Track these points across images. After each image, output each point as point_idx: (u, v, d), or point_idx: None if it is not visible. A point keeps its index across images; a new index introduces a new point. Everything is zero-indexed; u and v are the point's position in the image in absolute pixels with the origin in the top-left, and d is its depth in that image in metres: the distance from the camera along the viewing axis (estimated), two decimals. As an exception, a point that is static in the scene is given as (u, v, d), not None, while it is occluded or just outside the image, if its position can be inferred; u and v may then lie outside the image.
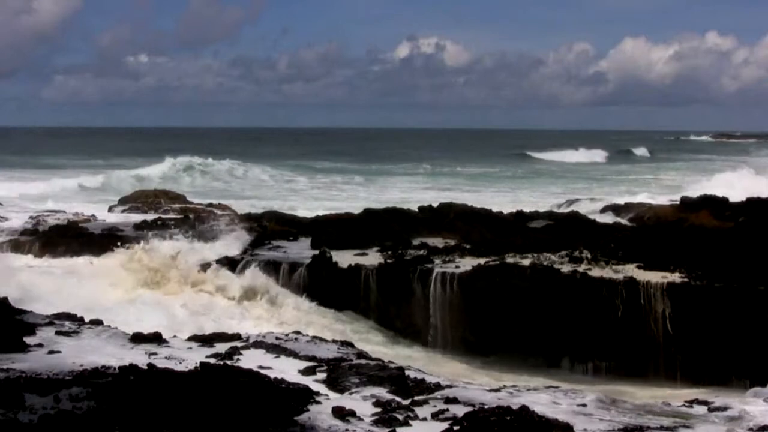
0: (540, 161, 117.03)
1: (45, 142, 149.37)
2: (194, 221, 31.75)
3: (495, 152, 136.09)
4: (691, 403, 12.22)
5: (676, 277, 21.63)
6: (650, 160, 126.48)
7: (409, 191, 65.12)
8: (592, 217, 34.67)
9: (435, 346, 22.60)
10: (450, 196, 50.82)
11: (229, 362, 12.39)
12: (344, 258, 25.10)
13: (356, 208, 35.95)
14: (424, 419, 10.27)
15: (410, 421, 10.11)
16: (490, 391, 12.21)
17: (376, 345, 21.25)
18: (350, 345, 15.01)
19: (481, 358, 21.72)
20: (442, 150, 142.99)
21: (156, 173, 73.73)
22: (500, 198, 57.38)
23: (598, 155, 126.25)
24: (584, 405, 11.45)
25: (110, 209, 39.25)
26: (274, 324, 21.79)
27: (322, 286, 24.27)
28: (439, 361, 21.26)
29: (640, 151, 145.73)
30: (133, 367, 10.73)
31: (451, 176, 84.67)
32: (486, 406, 10.57)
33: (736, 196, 35.81)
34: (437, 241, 27.22)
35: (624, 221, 36.59)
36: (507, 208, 36.23)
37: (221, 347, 13.91)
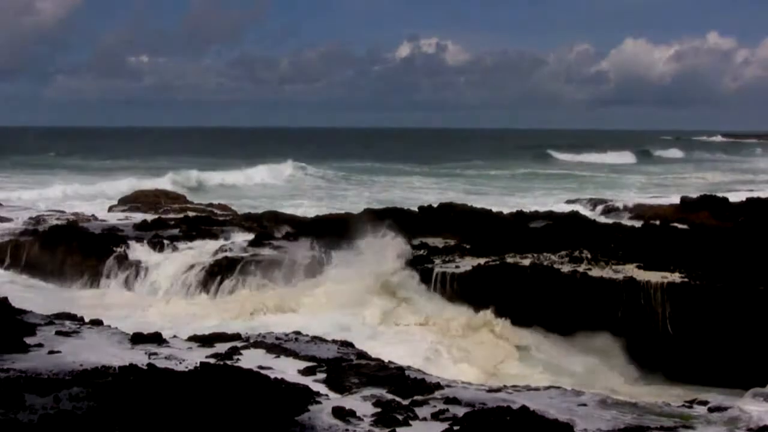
0: (565, 163, 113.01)
1: (80, 143, 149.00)
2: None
3: (514, 153, 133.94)
4: (691, 403, 12.21)
5: (676, 277, 21.63)
6: (687, 161, 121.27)
7: (441, 193, 62.62)
8: (592, 217, 34.74)
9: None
10: (471, 199, 48.73)
11: (229, 362, 12.39)
12: (344, 258, 25.10)
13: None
14: (424, 419, 10.27)
15: (410, 421, 10.11)
16: (490, 391, 12.20)
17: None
18: (350, 345, 15.00)
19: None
20: (459, 151, 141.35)
21: (275, 176, 74.94)
22: (529, 200, 55.02)
23: (626, 157, 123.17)
24: (584, 405, 11.45)
25: (110, 209, 39.29)
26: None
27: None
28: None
29: (672, 153, 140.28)
30: (133, 367, 10.74)
31: (472, 178, 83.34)
32: (486, 406, 10.58)
33: None
34: (437, 241, 27.22)
35: (624, 221, 36.63)
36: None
37: (221, 347, 13.90)
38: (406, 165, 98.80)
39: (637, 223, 33.07)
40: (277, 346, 14.26)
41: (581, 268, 22.57)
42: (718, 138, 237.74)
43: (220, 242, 28.42)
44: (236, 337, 14.99)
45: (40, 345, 12.42)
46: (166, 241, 28.45)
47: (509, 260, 23.63)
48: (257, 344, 14.37)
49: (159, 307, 24.26)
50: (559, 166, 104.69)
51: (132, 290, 26.50)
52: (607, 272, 22.29)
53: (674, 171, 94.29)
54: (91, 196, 52.37)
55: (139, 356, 12.28)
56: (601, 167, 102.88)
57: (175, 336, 14.84)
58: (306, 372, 12.66)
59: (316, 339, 15.30)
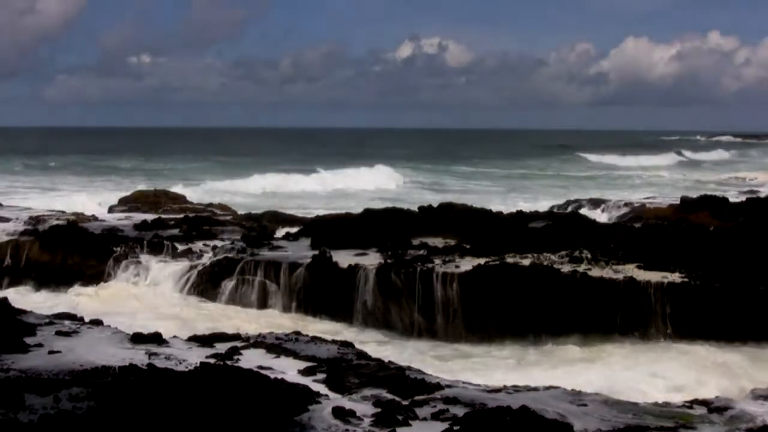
0: (608, 165, 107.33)
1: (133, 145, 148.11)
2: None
3: (539, 153, 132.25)
4: (691, 403, 12.21)
5: (676, 277, 21.62)
6: (734, 162, 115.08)
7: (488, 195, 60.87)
8: (592, 217, 34.72)
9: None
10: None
11: (228, 362, 12.40)
12: (344, 258, 25.10)
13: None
14: (424, 419, 10.28)
15: (410, 421, 10.12)
16: (490, 391, 12.21)
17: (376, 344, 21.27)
18: (350, 345, 15.00)
19: (482, 357, 21.68)
20: (484, 150, 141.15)
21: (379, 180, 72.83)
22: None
23: (668, 159, 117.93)
24: (584, 405, 11.45)
25: (110, 209, 39.30)
26: None
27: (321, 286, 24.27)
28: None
29: (716, 154, 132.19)
30: (133, 367, 10.75)
31: (505, 178, 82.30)
32: (486, 406, 10.59)
33: None
34: (437, 241, 27.22)
35: (624, 221, 36.63)
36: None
37: (221, 347, 13.92)
38: (480, 167, 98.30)
39: (637, 224, 33.08)
40: (277, 346, 14.26)
41: (581, 268, 22.57)
42: (730, 138, 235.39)
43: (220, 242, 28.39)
44: (236, 337, 15.00)
45: (40, 345, 12.43)
46: (166, 242, 28.45)
47: (509, 260, 23.62)
48: (257, 344, 14.38)
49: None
50: (602, 168, 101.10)
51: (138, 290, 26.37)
52: (607, 272, 22.28)
53: (729, 171, 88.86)
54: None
55: (139, 356, 12.28)
56: (646, 169, 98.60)
57: (175, 336, 14.85)
58: (306, 372, 12.66)
59: (316, 339, 15.30)
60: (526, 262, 23.37)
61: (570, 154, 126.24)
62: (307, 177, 70.90)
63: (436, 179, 79.89)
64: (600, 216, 39.72)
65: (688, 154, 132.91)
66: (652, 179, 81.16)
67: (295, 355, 13.76)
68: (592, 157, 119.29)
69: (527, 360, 20.89)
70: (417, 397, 11.22)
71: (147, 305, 25.01)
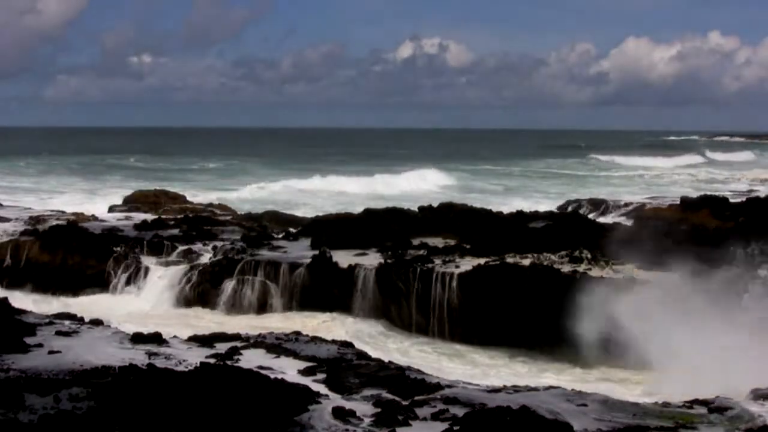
0: (621, 166, 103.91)
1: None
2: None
3: (542, 153, 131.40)
4: (692, 403, 12.21)
5: (675, 278, 21.59)
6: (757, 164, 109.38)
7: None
8: (592, 217, 34.75)
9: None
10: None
11: (228, 362, 12.40)
12: (344, 258, 25.10)
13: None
14: (424, 419, 10.28)
15: (410, 421, 10.12)
16: (490, 391, 12.20)
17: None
18: (350, 345, 15.00)
19: (483, 358, 21.69)
20: (484, 150, 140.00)
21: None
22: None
23: (691, 159, 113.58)
24: (584, 405, 11.44)
25: (111, 209, 39.27)
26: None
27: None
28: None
29: (744, 156, 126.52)
30: (133, 367, 10.75)
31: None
32: (486, 406, 10.58)
33: None
34: (437, 241, 27.22)
35: (624, 221, 36.65)
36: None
37: (221, 347, 13.92)
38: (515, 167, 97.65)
39: (637, 223, 33.06)
40: (277, 346, 14.26)
41: (581, 268, 22.56)
42: (733, 138, 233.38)
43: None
44: (236, 337, 15.00)
45: (40, 345, 12.43)
46: (166, 242, 28.43)
47: (509, 260, 23.61)
48: (257, 344, 14.38)
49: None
50: (628, 169, 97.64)
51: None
52: (607, 272, 22.28)
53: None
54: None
55: (139, 356, 12.29)
56: (675, 169, 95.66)
57: (175, 336, 14.85)
58: (306, 372, 12.66)
59: (316, 339, 15.30)
60: (526, 262, 23.37)
61: (582, 155, 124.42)
62: (367, 179, 69.79)
63: (443, 179, 79.76)
64: (603, 216, 39.74)
65: (709, 154, 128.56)
66: (686, 179, 79.72)
67: (295, 355, 13.76)
68: (606, 158, 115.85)
69: (527, 360, 20.93)
70: (417, 397, 11.21)
71: (146, 305, 25.02)
